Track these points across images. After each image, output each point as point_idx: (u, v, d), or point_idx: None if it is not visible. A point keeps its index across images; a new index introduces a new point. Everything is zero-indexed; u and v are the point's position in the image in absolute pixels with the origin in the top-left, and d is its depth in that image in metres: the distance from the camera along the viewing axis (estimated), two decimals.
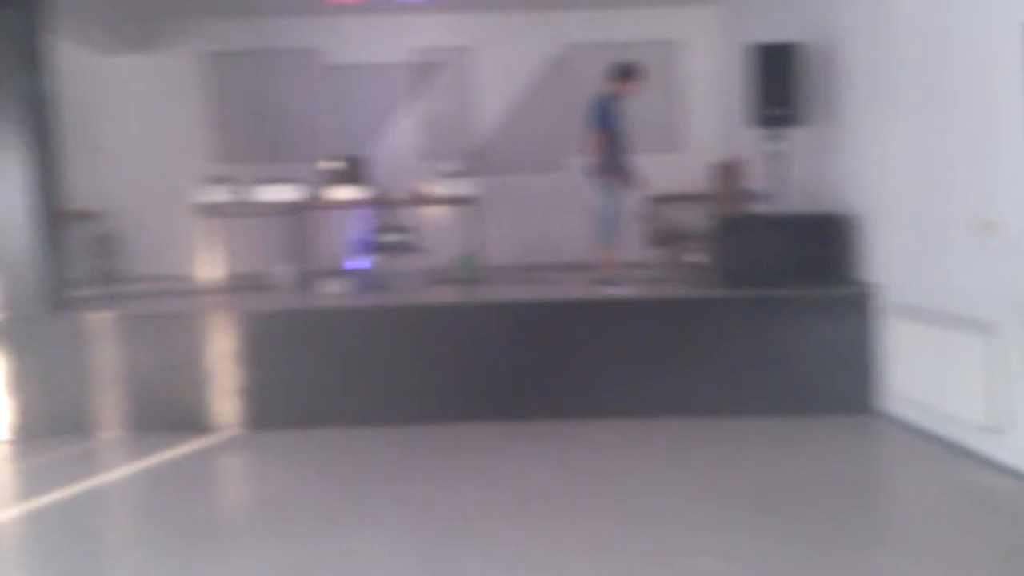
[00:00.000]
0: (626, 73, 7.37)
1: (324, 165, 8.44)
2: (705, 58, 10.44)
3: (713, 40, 10.41)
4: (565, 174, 10.32)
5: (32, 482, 5.36)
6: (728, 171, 8.81)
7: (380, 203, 8.44)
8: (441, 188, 8.38)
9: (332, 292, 7.25)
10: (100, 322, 6.20)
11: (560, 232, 10.19)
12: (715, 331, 6.32)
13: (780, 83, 6.99)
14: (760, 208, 7.31)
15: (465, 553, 4.00)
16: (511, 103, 10.48)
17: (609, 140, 7.24)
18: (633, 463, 5.34)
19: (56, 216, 6.58)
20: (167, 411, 6.21)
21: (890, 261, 6.09)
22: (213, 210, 8.45)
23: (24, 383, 6.14)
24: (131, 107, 10.08)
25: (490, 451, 5.68)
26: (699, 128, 10.45)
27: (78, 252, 9.38)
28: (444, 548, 4.07)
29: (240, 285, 8.29)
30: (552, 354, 6.35)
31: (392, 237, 8.13)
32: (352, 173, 8.50)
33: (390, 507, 4.67)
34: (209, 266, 8.73)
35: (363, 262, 8.06)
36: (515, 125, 10.46)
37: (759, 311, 6.32)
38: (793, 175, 7.26)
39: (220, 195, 8.24)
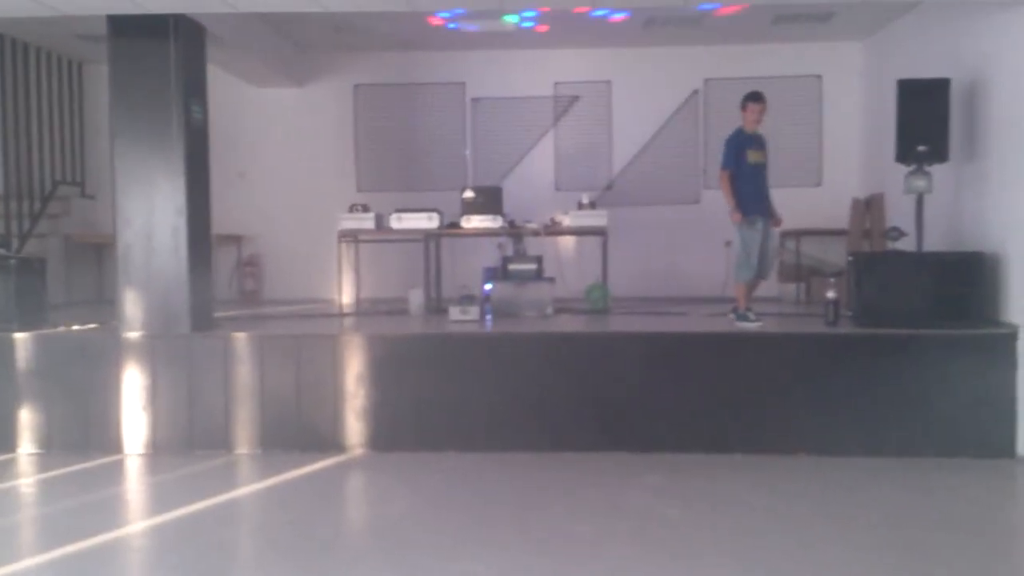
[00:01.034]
0: (744, 101, 7.21)
1: (461, 195, 8.61)
2: (848, 93, 10.20)
3: (857, 75, 10.18)
4: (700, 207, 10.23)
5: (165, 495, 5.62)
6: (868, 207, 8.52)
7: (512, 233, 8.53)
8: (572, 219, 8.42)
9: (462, 318, 7.35)
10: (238, 342, 6.47)
11: (693, 265, 10.05)
12: (850, 369, 6.18)
13: (925, 119, 6.79)
14: (899, 245, 7.06)
15: None
16: (649, 136, 10.44)
17: (739, 177, 7.07)
18: (761, 500, 5.23)
19: (205, 239, 6.93)
20: (298, 430, 6.40)
21: None
22: (352, 236, 8.73)
23: (163, 399, 6.44)
24: (279, 136, 10.55)
25: (614, 481, 5.63)
26: (840, 163, 10.18)
27: (223, 274, 9.87)
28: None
29: (374, 309, 8.52)
30: (681, 386, 6.29)
31: (522, 266, 8.19)
32: (487, 203, 8.63)
33: (513, 533, 4.66)
34: (346, 290, 9.01)
35: (493, 290, 8.14)
36: (651, 157, 10.42)
37: (897, 350, 6.16)
38: (935, 212, 7.01)
39: (361, 222, 8.51)
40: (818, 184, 10.23)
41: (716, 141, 9.65)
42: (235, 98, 10.14)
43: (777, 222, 7.28)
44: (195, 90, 6.84)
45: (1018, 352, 6.01)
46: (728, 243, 9.54)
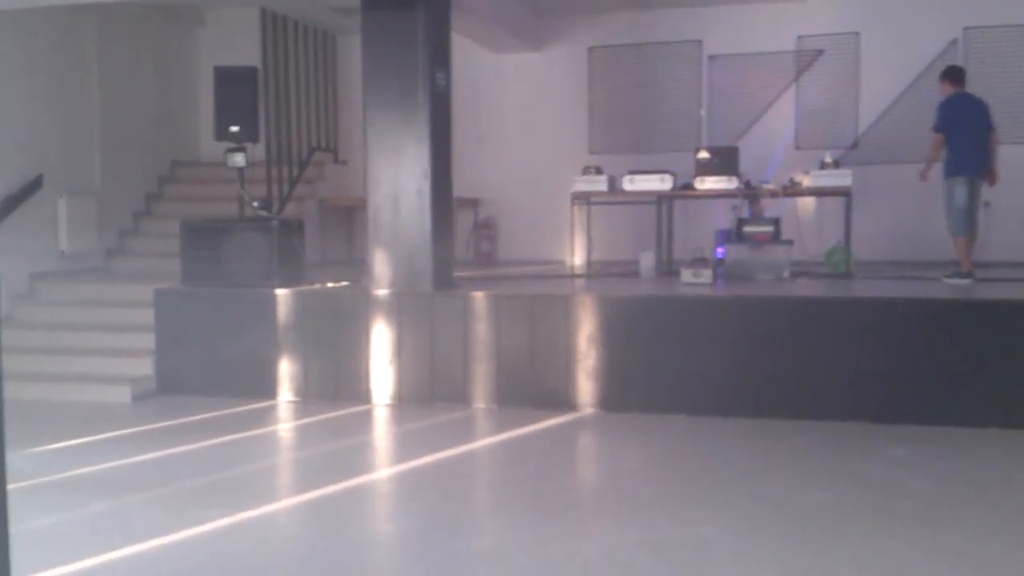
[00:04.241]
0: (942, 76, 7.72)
1: (695, 155, 8.49)
2: None
3: None
4: None
5: (409, 444, 6.00)
6: None
7: (748, 194, 8.31)
8: (812, 179, 8.08)
9: (694, 281, 7.28)
10: (477, 301, 6.74)
11: (939, 225, 9.36)
12: None
13: None
14: None
15: (819, 553, 3.86)
16: (897, 90, 9.79)
17: (952, 139, 7.38)
18: (1015, 476, 4.95)
19: (448, 202, 7.25)
20: (531, 387, 6.59)
21: None
22: (585, 198, 8.82)
23: (407, 353, 6.81)
24: (515, 101, 10.77)
25: (855, 451, 5.45)
26: None
27: (461, 236, 10.26)
28: (796, 545, 3.96)
29: (606, 271, 8.59)
30: (927, 354, 5.95)
31: (758, 228, 7.97)
32: (723, 163, 8.46)
33: (744, 497, 4.63)
34: (579, 252, 9.13)
35: (726, 253, 7.98)
36: (902, 114, 9.75)
37: None
38: None
39: (594, 184, 8.59)
40: None
41: (977, 92, 8.91)
42: (475, 64, 10.44)
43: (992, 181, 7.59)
44: (440, 58, 7.11)
45: None
46: (987, 203, 8.84)
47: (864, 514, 4.36)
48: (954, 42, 9.62)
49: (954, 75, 7.69)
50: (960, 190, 7.36)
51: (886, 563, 3.76)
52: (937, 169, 7.52)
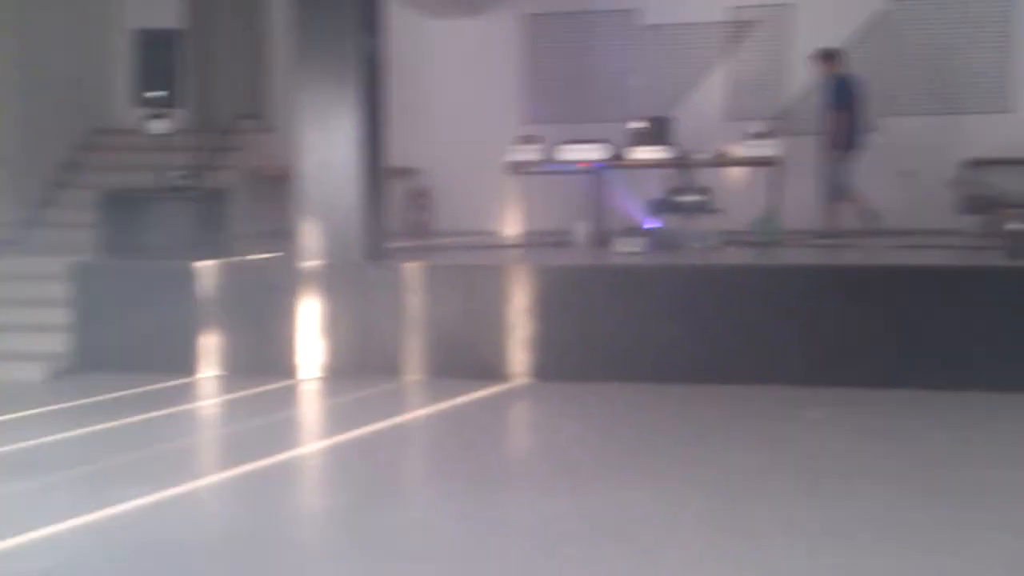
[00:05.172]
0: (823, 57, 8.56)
1: (630, 125, 8.46)
2: None
3: None
4: (885, 134, 9.64)
5: (338, 418, 5.90)
6: None
7: (681, 164, 8.32)
8: (743, 149, 8.13)
9: (627, 250, 7.27)
10: (410, 272, 6.63)
11: (869, 196, 9.52)
12: None
13: None
14: None
15: (746, 514, 3.91)
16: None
17: (846, 116, 8.28)
18: (930, 434, 5.11)
19: (379, 171, 7.09)
20: (465, 358, 6.52)
21: None
22: (520, 168, 8.74)
23: (338, 326, 6.67)
24: (450, 68, 10.61)
25: (777, 414, 5.54)
26: None
27: (395, 206, 10.10)
28: (723, 508, 3.99)
29: (540, 241, 8.54)
30: (847, 319, 6.08)
31: (690, 197, 8.00)
32: (656, 133, 8.45)
33: (674, 462, 4.66)
34: (513, 222, 9.06)
35: (659, 222, 7.99)
36: None
37: None
38: None
39: (528, 154, 8.51)
40: (1007, 110, 9.46)
41: (900, 65, 9.07)
42: (409, 30, 10.24)
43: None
44: (373, 22, 6.93)
45: None
46: (906, 172, 9.08)
47: (787, 475, 4.44)
48: (883, 12, 9.72)
49: (835, 56, 8.58)
50: (849, 163, 8.33)
51: (809, 521, 3.80)
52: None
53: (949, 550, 3.51)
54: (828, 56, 8.62)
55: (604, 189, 8.94)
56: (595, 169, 8.54)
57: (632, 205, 8.72)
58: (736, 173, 9.47)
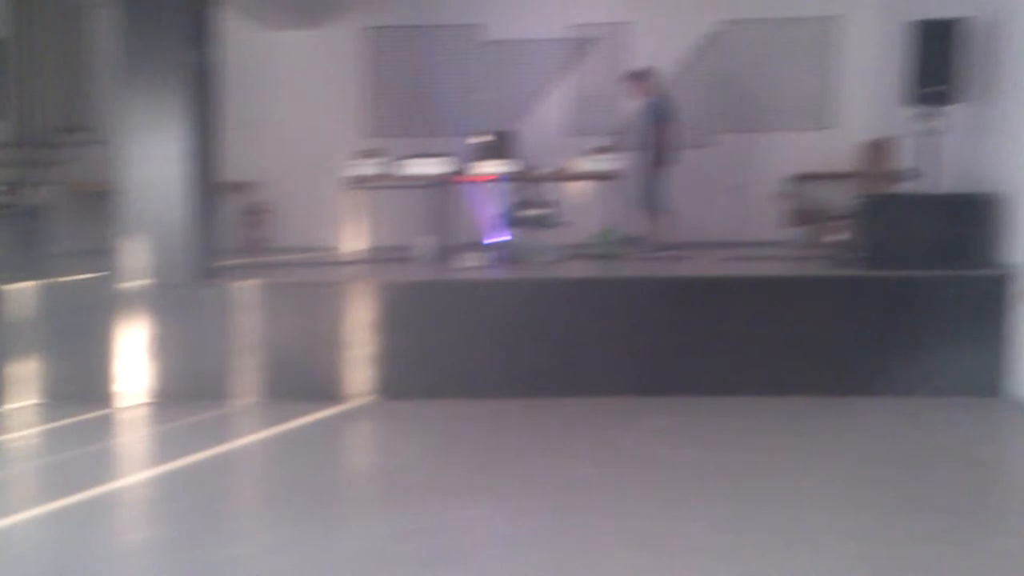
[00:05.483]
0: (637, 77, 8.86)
1: (472, 139, 8.43)
2: (860, 34, 9.94)
3: (869, 16, 9.94)
4: (714, 151, 10.04)
5: (167, 445, 5.55)
6: (877, 149, 8.47)
7: (524, 178, 8.35)
8: (585, 163, 8.23)
9: (470, 265, 7.22)
10: (242, 291, 6.36)
11: (706, 209, 9.87)
12: (855, 311, 6.16)
13: (939, 60, 6.71)
14: (907, 187, 6.98)
15: (587, 526, 3.91)
16: (665, 78, 10.17)
17: (666, 132, 8.62)
18: (763, 439, 5.24)
19: (209, 186, 6.79)
20: (303, 379, 6.31)
21: None
22: (361, 183, 8.57)
23: (167, 348, 6.33)
24: (289, 81, 10.36)
25: (619, 425, 5.57)
26: (850, 106, 10.03)
27: (230, 222, 9.75)
28: (565, 521, 3.97)
29: (382, 257, 8.39)
30: (686, 329, 6.20)
31: (533, 212, 8.03)
32: (499, 148, 8.45)
33: (517, 478, 4.61)
34: (355, 238, 8.87)
35: (503, 236, 7.99)
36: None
37: (899, 292, 6.13)
38: (945, 154, 6.91)
39: (369, 168, 8.35)
40: (828, 127, 10.03)
41: (731, 83, 9.49)
42: (244, 41, 9.94)
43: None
44: (202, 32, 6.65)
45: (1007, 294, 5.99)
46: (737, 186, 9.49)
47: (628, 485, 4.46)
48: (713, 33, 10.09)
49: (647, 76, 8.86)
50: (669, 178, 8.63)
51: (649, 531, 3.83)
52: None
53: (786, 554, 3.60)
54: (640, 76, 8.88)
55: (448, 203, 8.89)
56: (444, 184, 8.49)
57: (481, 218, 8.71)
58: (579, 187, 9.59)
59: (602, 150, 8.39)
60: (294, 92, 10.35)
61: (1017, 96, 6.26)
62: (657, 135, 8.65)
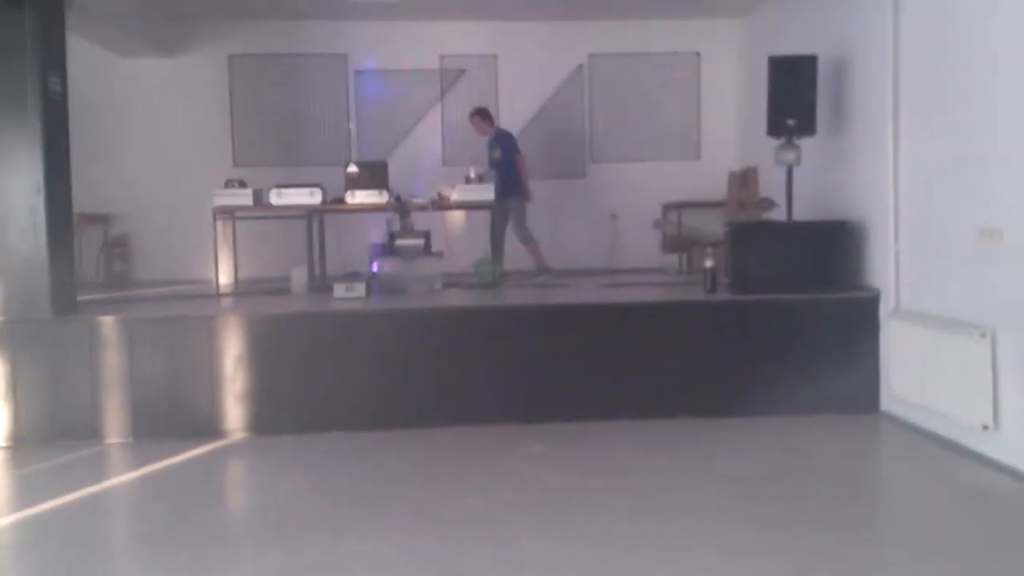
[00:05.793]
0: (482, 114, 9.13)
1: (345, 170, 8.34)
2: (726, 69, 10.41)
3: (734, 52, 10.42)
4: (587, 181, 10.28)
5: (31, 489, 5.22)
6: (743, 179, 8.83)
7: (397, 208, 8.31)
8: (460, 193, 8.27)
9: (346, 296, 7.11)
10: (107, 326, 6.09)
11: (579, 238, 10.07)
12: (727, 334, 6.37)
13: (794, 94, 7.03)
14: (772, 215, 7.31)
15: (473, 554, 3.88)
16: (534, 111, 10.37)
17: (516, 166, 8.83)
18: (644, 462, 5.34)
19: (67, 219, 6.49)
20: (174, 416, 6.07)
21: (894, 267, 6.18)
22: (230, 214, 8.35)
23: (26, 388, 6.01)
24: (149, 110, 10.02)
25: (501, 453, 5.57)
26: (717, 137, 10.46)
27: (91, 255, 9.33)
28: (451, 551, 3.94)
29: (255, 289, 8.18)
30: (565, 356, 6.27)
31: (409, 241, 7.99)
32: (373, 178, 8.39)
33: (401, 510, 4.55)
34: (224, 270, 8.63)
35: (379, 266, 7.92)
36: (537, 132, 10.34)
37: (770, 315, 6.39)
38: (805, 184, 7.26)
39: (238, 199, 8.14)
40: (697, 158, 10.41)
41: (601, 116, 9.82)
42: (99, 69, 9.58)
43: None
44: (53, 61, 6.36)
45: (880, 314, 6.29)
46: (614, 216, 9.75)
47: (511, 511, 4.47)
48: (580, 66, 10.35)
49: (488, 114, 9.14)
50: (525, 207, 8.81)
51: (530, 557, 3.84)
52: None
53: (663, 572, 3.67)
54: (483, 113, 9.10)
55: (320, 234, 8.77)
56: (312, 213, 8.35)
57: (355, 249, 8.63)
58: (453, 217, 9.63)
59: (476, 180, 8.44)
60: (157, 122, 10.00)
61: (864, 129, 6.67)
62: (519, 164, 8.83)
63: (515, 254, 9.07)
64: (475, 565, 3.76)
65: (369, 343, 6.22)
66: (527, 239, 8.87)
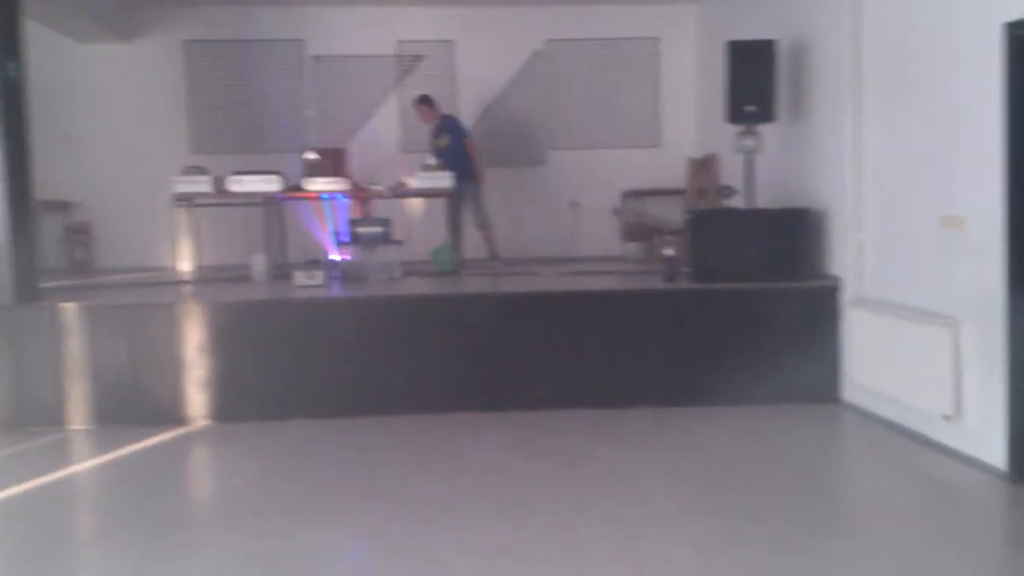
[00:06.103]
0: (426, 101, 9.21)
1: (304, 156, 8.38)
2: (684, 55, 10.42)
3: (692, 37, 10.41)
4: (546, 168, 10.35)
5: None
6: (703, 167, 8.88)
7: (358, 195, 8.38)
8: (418, 181, 8.35)
9: (307, 283, 7.19)
10: (68, 313, 6.14)
11: (539, 225, 10.17)
12: (687, 323, 6.41)
13: (754, 80, 6.99)
14: (732, 203, 7.39)
15: (437, 541, 3.98)
16: (493, 97, 10.43)
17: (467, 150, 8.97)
18: (606, 451, 5.40)
19: (26, 206, 6.49)
20: (136, 403, 6.14)
21: (855, 256, 6.20)
22: (189, 201, 8.37)
23: None
24: (108, 96, 9.95)
25: (462, 441, 5.67)
26: (676, 124, 10.41)
27: (51, 243, 9.30)
28: (416, 538, 4.04)
29: (215, 276, 8.22)
30: (525, 345, 6.37)
31: (368, 229, 8.07)
32: (331, 165, 8.44)
33: (366, 497, 4.65)
34: (185, 257, 8.65)
35: (339, 254, 8.01)
36: (496, 119, 10.39)
37: (730, 304, 6.43)
38: (764, 171, 7.26)
39: (197, 186, 8.15)
40: (657, 145, 10.47)
41: (560, 103, 9.92)
42: (56, 55, 9.50)
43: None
44: (10, 47, 6.36)
45: (840, 303, 6.32)
46: (574, 203, 9.85)
47: (475, 498, 4.58)
48: (538, 52, 10.43)
49: (432, 100, 9.21)
50: (480, 189, 8.95)
51: (490, 542, 3.96)
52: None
53: (632, 559, 3.83)
54: (427, 100, 9.21)
55: (280, 221, 8.82)
56: (271, 200, 8.40)
57: (314, 236, 8.70)
58: (412, 204, 9.71)
59: (435, 167, 8.51)
60: (116, 108, 9.93)
61: (825, 116, 6.64)
62: (471, 147, 8.98)
63: (475, 242, 9.18)
64: (439, 551, 3.87)
65: (330, 331, 6.32)
66: (484, 224, 8.99)
